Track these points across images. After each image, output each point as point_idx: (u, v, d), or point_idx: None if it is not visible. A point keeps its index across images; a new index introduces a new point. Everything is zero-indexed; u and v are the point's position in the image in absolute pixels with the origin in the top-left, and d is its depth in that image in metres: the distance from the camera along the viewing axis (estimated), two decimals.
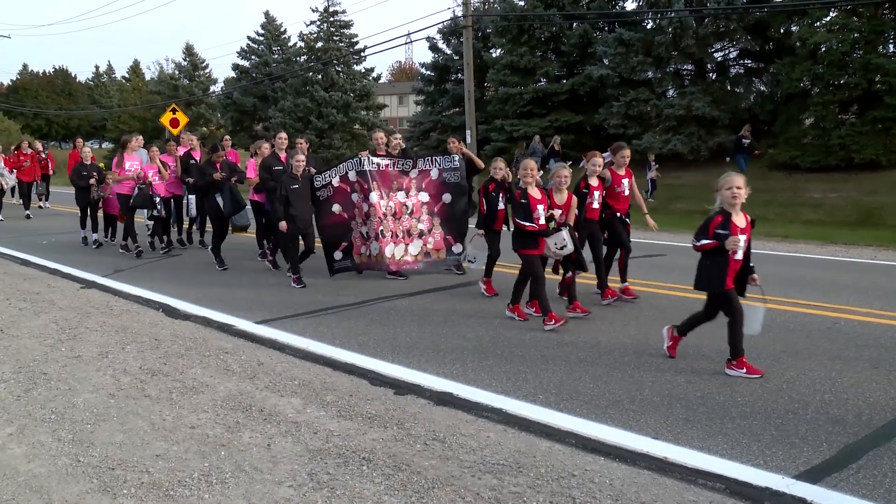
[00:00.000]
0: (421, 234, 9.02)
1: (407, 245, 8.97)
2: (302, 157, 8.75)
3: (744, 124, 19.08)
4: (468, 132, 20.58)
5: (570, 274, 7.16)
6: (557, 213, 6.70)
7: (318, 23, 33.85)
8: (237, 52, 39.08)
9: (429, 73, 29.45)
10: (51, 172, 19.81)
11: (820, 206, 15.99)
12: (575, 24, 24.23)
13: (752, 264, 5.19)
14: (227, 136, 12.20)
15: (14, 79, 70.88)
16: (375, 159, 9.00)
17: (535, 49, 24.51)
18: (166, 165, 11.27)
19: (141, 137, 12.35)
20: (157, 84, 46.30)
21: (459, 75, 26.87)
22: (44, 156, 19.37)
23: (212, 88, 44.58)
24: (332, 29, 33.79)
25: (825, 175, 17.66)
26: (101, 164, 12.80)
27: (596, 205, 7.34)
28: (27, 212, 17.56)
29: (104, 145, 49.34)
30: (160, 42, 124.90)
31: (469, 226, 9.04)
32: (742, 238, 5.02)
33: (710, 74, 22.60)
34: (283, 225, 8.55)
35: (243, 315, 7.18)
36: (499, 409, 4.58)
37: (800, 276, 9.06)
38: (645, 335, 6.22)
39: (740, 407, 4.56)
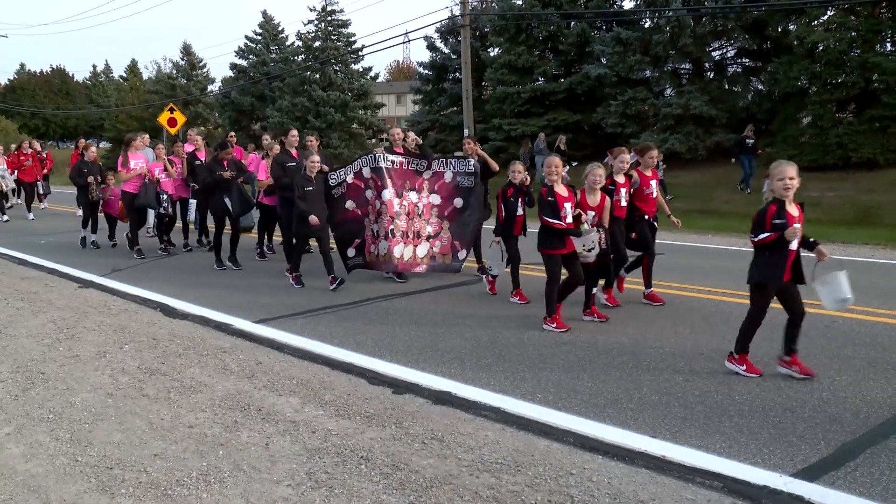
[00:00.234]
0: (429, 237, 8.85)
1: (415, 247, 8.81)
2: (317, 158, 8.59)
3: (742, 123, 19.12)
4: (466, 131, 20.58)
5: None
6: (591, 214, 6.49)
7: (316, 22, 33.89)
8: (235, 52, 39.09)
9: (427, 72, 29.45)
10: (48, 171, 19.69)
11: (817, 204, 15.99)
12: (573, 23, 24.26)
13: (811, 238, 5.02)
14: (232, 133, 11.98)
15: (11, 78, 70.87)
16: (391, 156, 8.83)
17: (532, 48, 24.53)
18: (173, 164, 11.15)
19: (147, 136, 12.22)
20: (155, 83, 46.19)
21: (457, 74, 26.91)
22: (44, 155, 19.31)
23: (209, 88, 44.56)
24: (329, 28, 33.81)
25: (823, 174, 17.67)
26: (100, 163, 12.60)
27: (624, 202, 7.10)
28: (30, 214, 17.37)
29: (102, 145, 49.24)
30: (158, 41, 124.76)
31: (479, 232, 8.87)
32: (798, 228, 4.90)
33: (708, 73, 22.62)
34: (312, 218, 8.34)
35: (241, 314, 7.17)
36: (497, 408, 4.58)
37: None
38: (643, 334, 6.23)
39: (738, 405, 4.57)
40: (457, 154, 8.96)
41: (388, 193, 8.72)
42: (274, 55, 38.83)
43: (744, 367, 5.11)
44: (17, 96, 63.47)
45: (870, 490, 3.45)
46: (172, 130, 23.97)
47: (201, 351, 5.97)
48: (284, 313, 7.26)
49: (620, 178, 7.10)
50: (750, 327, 5.14)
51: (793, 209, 5.00)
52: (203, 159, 11.28)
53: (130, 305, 7.78)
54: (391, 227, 8.68)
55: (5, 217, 16.69)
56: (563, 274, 6.53)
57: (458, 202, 8.84)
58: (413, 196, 8.86)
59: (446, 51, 28.65)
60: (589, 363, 5.50)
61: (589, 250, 6.37)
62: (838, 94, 17.79)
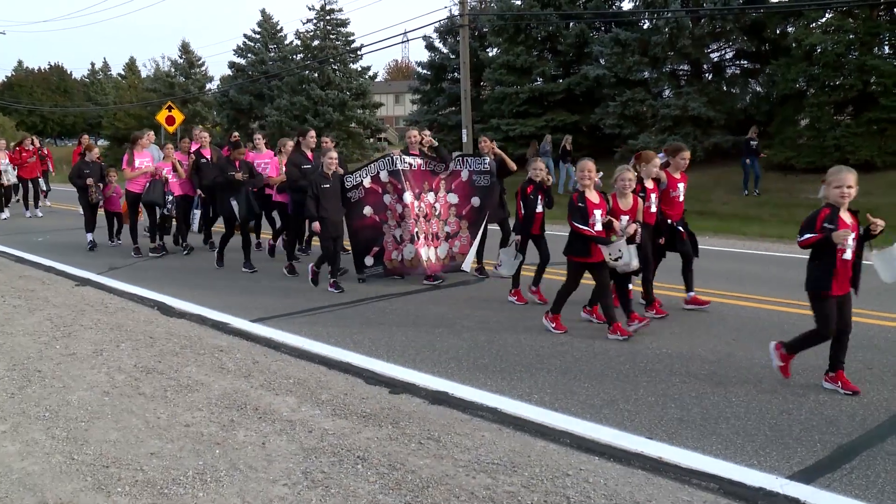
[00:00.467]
0: (448, 237, 8.76)
1: (436, 248, 8.71)
2: (335, 155, 8.37)
3: (740, 125, 19.15)
4: (464, 131, 20.59)
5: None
6: (625, 220, 6.27)
7: (315, 21, 33.85)
8: (233, 50, 39.01)
9: (425, 71, 29.44)
10: (48, 169, 19.59)
11: (815, 206, 15.99)
12: (571, 24, 24.26)
13: (869, 226, 4.79)
14: (236, 133, 11.82)
15: (9, 75, 70.69)
16: (408, 158, 8.70)
17: (531, 48, 24.53)
18: (181, 164, 11.00)
19: (152, 133, 12.05)
20: (153, 81, 46.09)
21: (456, 74, 26.91)
22: (45, 152, 19.23)
23: (208, 86, 44.49)
24: (328, 27, 33.78)
25: (820, 176, 17.66)
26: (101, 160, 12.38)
27: (654, 208, 6.80)
28: (35, 211, 17.24)
29: (99, 143, 49.14)
30: (156, 39, 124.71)
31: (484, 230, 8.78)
32: (851, 234, 4.68)
33: (707, 75, 22.63)
34: (315, 225, 8.26)
35: (238, 313, 7.16)
36: (494, 408, 4.58)
37: (794, 277, 9.03)
38: (640, 335, 6.23)
39: (734, 407, 4.57)
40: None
41: (408, 196, 8.56)
42: (272, 54, 38.81)
43: (840, 385, 4.81)
44: (15, 93, 63.34)
45: (866, 492, 3.45)
46: (171, 129, 23.95)
47: (198, 350, 5.96)
48: (282, 312, 7.25)
49: (650, 184, 6.81)
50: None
51: (846, 216, 4.80)
52: (209, 157, 11.07)
53: (127, 304, 7.77)
54: (416, 229, 8.51)
55: (5, 214, 16.64)
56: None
57: (476, 201, 8.72)
58: (430, 197, 8.74)
59: (445, 51, 28.65)
60: (586, 364, 5.51)
61: (616, 259, 6.11)
62: (836, 97, 17.84)
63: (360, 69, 34.14)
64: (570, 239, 6.34)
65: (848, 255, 4.77)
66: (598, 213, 6.18)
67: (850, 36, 17.30)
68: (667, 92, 21.66)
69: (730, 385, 4.98)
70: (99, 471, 3.75)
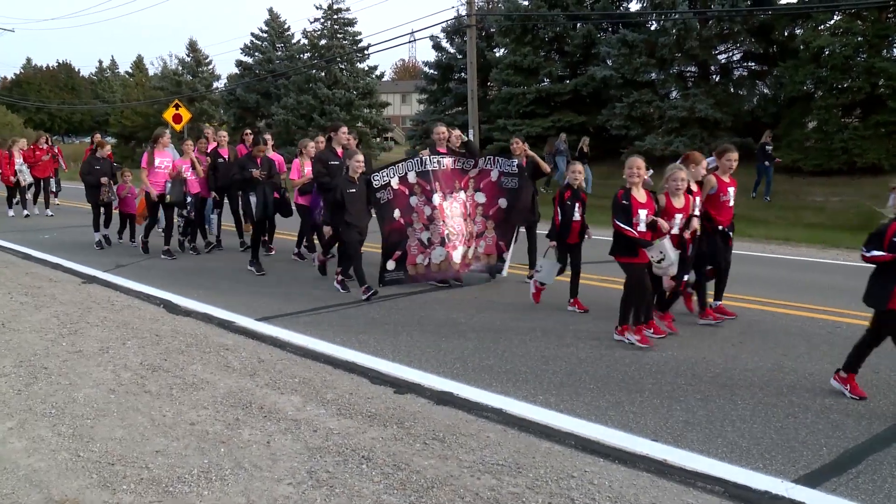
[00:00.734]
0: (472, 237, 8.63)
1: (467, 248, 8.58)
2: (361, 158, 8.03)
3: (747, 127, 19.05)
4: (471, 131, 20.59)
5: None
6: (679, 218, 6.11)
7: (322, 20, 33.93)
8: (241, 49, 39.17)
9: (432, 71, 29.47)
10: (61, 167, 19.57)
11: (822, 209, 15.99)
12: (579, 25, 24.25)
13: None
14: (249, 131, 11.76)
15: (17, 73, 71.12)
16: (437, 157, 8.51)
17: (538, 49, 24.53)
18: (200, 163, 10.79)
19: (168, 131, 12.01)
20: (161, 80, 46.20)
21: (463, 74, 26.89)
22: (56, 150, 19.26)
23: (215, 85, 44.59)
24: (335, 27, 33.86)
25: (827, 178, 17.64)
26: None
27: (696, 212, 6.46)
28: (45, 211, 17.24)
29: (107, 139, 49.27)
30: (164, 38, 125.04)
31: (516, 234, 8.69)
32: None
33: (714, 76, 22.58)
34: (327, 229, 8.18)
35: (244, 312, 7.17)
36: (499, 409, 4.58)
37: (800, 280, 9.07)
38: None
39: (740, 410, 4.56)
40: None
41: (437, 198, 8.38)
42: (280, 53, 38.91)
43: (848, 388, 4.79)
44: (23, 91, 63.65)
45: (872, 497, 3.44)
46: (178, 127, 24.01)
47: (204, 348, 5.97)
48: (287, 311, 7.26)
49: (694, 187, 6.48)
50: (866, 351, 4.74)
51: None
52: (226, 157, 11.02)
53: (134, 301, 7.80)
54: (446, 231, 8.35)
55: (25, 212, 16.67)
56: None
57: (503, 202, 8.59)
58: (462, 195, 8.61)
59: (452, 51, 28.67)
60: (591, 365, 5.50)
61: (659, 261, 5.86)
62: (844, 99, 17.76)
63: (366, 68, 34.20)
64: (615, 239, 6.09)
65: None
66: (642, 213, 5.89)
67: (859, 38, 17.25)
68: (674, 93, 21.60)
69: (735, 388, 4.96)
70: (104, 468, 3.76)
